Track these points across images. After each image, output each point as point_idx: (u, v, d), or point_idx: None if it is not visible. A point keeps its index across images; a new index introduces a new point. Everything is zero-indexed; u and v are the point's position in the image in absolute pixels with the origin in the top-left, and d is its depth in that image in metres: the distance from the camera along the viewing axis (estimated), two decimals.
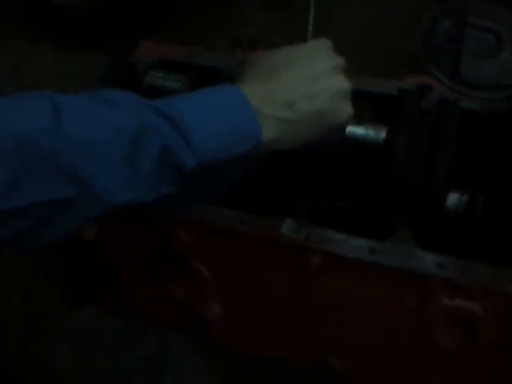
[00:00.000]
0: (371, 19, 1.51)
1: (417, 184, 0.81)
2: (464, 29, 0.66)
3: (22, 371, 1.26)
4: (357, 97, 0.92)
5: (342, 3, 1.59)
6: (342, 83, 0.67)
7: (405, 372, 0.83)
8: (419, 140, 0.82)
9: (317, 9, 0.72)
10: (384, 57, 1.26)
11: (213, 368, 1.15)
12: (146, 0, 1.69)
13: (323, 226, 0.81)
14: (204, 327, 0.89)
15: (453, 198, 0.85)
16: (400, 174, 0.81)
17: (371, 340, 0.82)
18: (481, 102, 0.86)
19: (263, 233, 0.82)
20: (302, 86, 0.65)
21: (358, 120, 0.89)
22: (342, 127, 0.86)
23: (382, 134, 0.87)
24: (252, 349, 0.89)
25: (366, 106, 0.91)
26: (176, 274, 0.87)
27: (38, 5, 1.71)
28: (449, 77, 0.66)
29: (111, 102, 0.56)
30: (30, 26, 1.82)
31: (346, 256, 0.80)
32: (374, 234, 0.81)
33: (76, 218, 0.54)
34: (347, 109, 0.68)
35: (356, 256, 0.79)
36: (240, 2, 1.72)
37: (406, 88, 0.86)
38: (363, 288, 0.81)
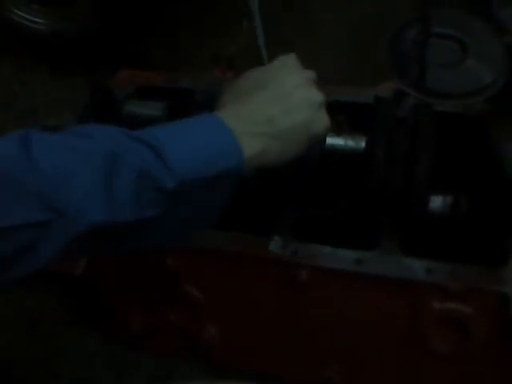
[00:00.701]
0: (358, 23, 1.51)
1: (398, 190, 0.82)
2: (428, 38, 0.67)
3: None
4: (333, 108, 0.94)
5: (329, 7, 1.60)
6: (315, 95, 0.69)
7: (400, 378, 0.83)
8: (397, 147, 0.83)
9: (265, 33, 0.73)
10: (369, 61, 1.26)
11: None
12: (132, 24, 1.70)
13: (309, 240, 0.82)
14: (200, 349, 0.89)
15: (437, 201, 0.85)
16: (381, 182, 0.82)
17: (365, 350, 0.83)
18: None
19: (251, 251, 0.83)
20: (276, 102, 0.66)
21: (337, 131, 0.90)
22: (321, 139, 0.87)
23: (362, 144, 0.88)
24: (248, 367, 0.89)
25: (342, 117, 0.92)
26: (168, 299, 0.88)
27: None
28: (414, 87, 0.67)
29: (83, 134, 0.57)
30: (23, 53, 1.84)
31: (333, 268, 0.80)
32: (360, 243, 0.82)
33: (54, 242, 0.53)
34: (323, 119, 0.69)
35: (343, 268, 0.80)
36: (227, 21, 1.73)
37: (381, 96, 0.86)
38: (353, 299, 0.82)
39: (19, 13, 1.69)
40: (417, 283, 0.79)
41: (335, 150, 0.89)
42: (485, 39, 0.71)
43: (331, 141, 0.89)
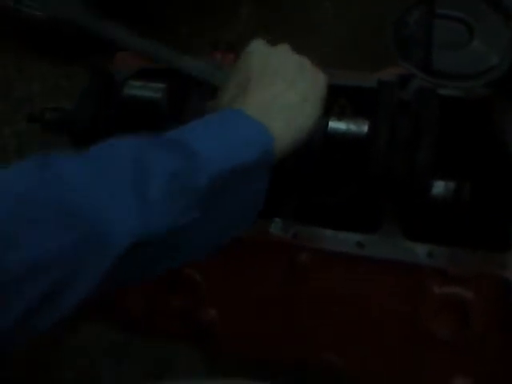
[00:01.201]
0: (359, 17, 1.51)
1: (401, 175, 0.82)
2: (432, 19, 0.66)
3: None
4: (336, 91, 0.93)
5: (330, 5, 1.60)
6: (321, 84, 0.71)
7: (399, 361, 0.83)
8: (400, 131, 0.82)
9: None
10: (369, 60, 1.26)
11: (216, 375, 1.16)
12: (130, 9, 1.69)
13: (310, 223, 0.82)
14: (201, 333, 0.89)
15: (439, 186, 0.85)
16: (383, 166, 0.82)
17: (365, 334, 0.82)
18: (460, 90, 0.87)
19: (252, 234, 0.82)
20: (289, 86, 0.66)
21: (339, 115, 0.90)
22: (324, 123, 0.87)
23: (364, 128, 0.87)
24: (248, 350, 0.89)
25: (345, 100, 0.91)
26: (169, 283, 0.88)
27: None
28: (421, 69, 0.67)
29: (102, 146, 0.52)
30: (21, 39, 1.83)
31: (334, 251, 0.80)
32: (362, 227, 0.82)
33: (87, 272, 0.46)
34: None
35: (344, 250, 0.80)
36: (227, 8, 1.72)
37: (384, 80, 0.86)
38: (354, 282, 0.81)
39: None
40: (418, 267, 0.78)
41: (337, 135, 0.88)
42: (491, 22, 0.71)
43: (333, 125, 0.89)
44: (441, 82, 0.67)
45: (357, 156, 0.87)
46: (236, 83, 0.68)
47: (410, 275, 0.79)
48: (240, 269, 0.85)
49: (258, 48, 0.69)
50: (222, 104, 0.67)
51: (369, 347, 0.83)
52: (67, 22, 1.61)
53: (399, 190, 0.83)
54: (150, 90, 0.91)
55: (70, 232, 0.45)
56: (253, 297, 0.86)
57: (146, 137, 0.54)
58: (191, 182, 0.52)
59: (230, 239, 0.63)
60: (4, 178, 0.47)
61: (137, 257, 0.49)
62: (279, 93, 0.65)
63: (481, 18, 0.68)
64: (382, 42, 0.75)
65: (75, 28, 1.65)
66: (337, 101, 0.92)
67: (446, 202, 0.84)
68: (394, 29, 0.69)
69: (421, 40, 0.67)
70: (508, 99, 0.79)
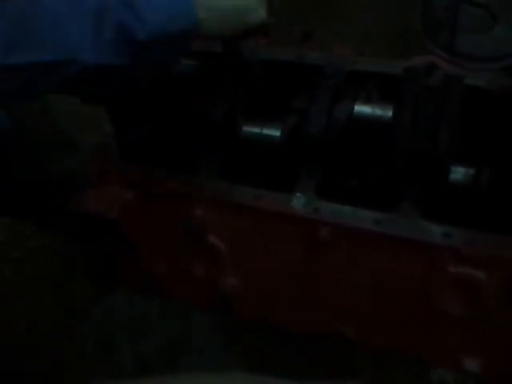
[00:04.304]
0: (393, 5, 1.52)
1: (422, 157, 0.85)
2: (459, 4, 0.69)
3: (47, 352, 1.32)
4: (364, 77, 0.97)
5: None
6: None
7: (411, 336, 0.86)
8: (424, 115, 0.85)
9: None
10: (402, 43, 1.28)
11: (233, 348, 1.19)
12: None
13: (331, 200, 0.86)
14: (221, 299, 0.93)
15: (459, 171, 0.88)
16: (406, 149, 0.85)
17: (379, 307, 0.86)
18: (486, 77, 0.89)
19: (275, 207, 0.87)
20: None
21: (366, 99, 0.93)
22: (351, 107, 0.91)
23: (389, 112, 0.90)
24: (266, 318, 0.93)
25: (372, 86, 0.95)
26: (194, 248, 0.93)
27: None
28: (446, 50, 0.70)
29: None
30: None
31: (353, 227, 0.84)
32: (381, 206, 0.85)
33: (58, 77, 0.71)
34: (264, 8, 0.83)
35: (362, 227, 0.83)
36: None
37: (411, 65, 0.89)
38: (370, 258, 0.85)
39: None
40: (433, 246, 0.81)
41: (363, 118, 0.92)
42: None
43: (359, 108, 0.92)
44: (463, 62, 0.70)
45: (381, 139, 0.90)
46: None
47: (425, 254, 0.82)
48: (262, 240, 0.89)
49: None
50: None
51: (382, 321, 0.86)
52: None
53: (420, 172, 0.86)
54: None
55: (50, 45, 0.69)
56: (273, 267, 0.90)
57: None
58: (133, 35, 0.72)
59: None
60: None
61: (81, 80, 0.74)
62: None
63: (504, 5, 0.71)
64: (413, 29, 0.78)
65: None
66: (364, 86, 0.96)
67: (465, 186, 0.86)
68: (422, 11, 0.72)
69: (447, 23, 0.71)
70: None
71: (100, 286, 1.25)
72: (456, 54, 0.70)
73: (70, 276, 1.44)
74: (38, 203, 1.17)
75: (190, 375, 0.71)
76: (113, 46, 0.72)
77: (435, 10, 0.72)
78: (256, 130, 0.93)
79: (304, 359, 1.10)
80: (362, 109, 0.92)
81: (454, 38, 0.69)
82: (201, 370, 1.13)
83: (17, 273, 1.46)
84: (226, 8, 0.80)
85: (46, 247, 1.48)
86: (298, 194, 0.87)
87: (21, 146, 1.12)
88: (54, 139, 1.19)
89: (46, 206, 1.19)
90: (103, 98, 0.94)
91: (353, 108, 0.92)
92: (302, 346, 1.03)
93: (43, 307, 1.41)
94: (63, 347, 1.33)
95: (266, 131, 0.93)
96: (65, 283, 1.44)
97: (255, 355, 1.17)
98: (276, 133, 0.92)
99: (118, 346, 1.31)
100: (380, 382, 1.08)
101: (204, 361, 1.23)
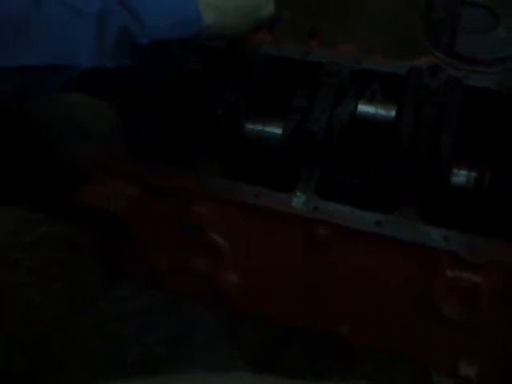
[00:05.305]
0: (405, 8, 1.52)
1: (423, 159, 0.84)
2: (459, 5, 0.69)
3: (51, 339, 1.33)
4: (369, 76, 0.96)
5: None
6: None
7: (408, 339, 0.86)
8: (425, 117, 0.85)
9: None
10: (409, 40, 1.27)
11: (236, 342, 1.20)
12: None
13: (331, 199, 0.86)
14: (220, 295, 0.94)
15: (460, 175, 0.87)
16: (406, 150, 0.84)
17: (376, 308, 0.86)
18: (494, 79, 0.88)
19: (275, 206, 0.87)
20: None
21: (369, 99, 0.93)
22: (354, 106, 0.91)
23: (392, 112, 0.90)
24: (264, 315, 0.94)
25: (377, 85, 0.94)
26: (195, 243, 0.93)
27: None
28: (444, 52, 0.69)
29: None
30: None
31: (352, 228, 0.84)
32: (380, 207, 0.85)
33: (56, 81, 0.71)
34: (271, 4, 0.84)
35: (362, 228, 0.83)
36: None
37: (414, 67, 0.88)
38: (369, 259, 0.85)
39: None
40: (433, 249, 0.81)
41: (365, 117, 0.91)
42: None
43: (362, 108, 0.92)
44: (461, 65, 0.70)
45: (383, 139, 0.90)
46: None
47: (423, 256, 0.82)
48: (262, 237, 0.90)
49: None
50: None
51: (378, 322, 0.86)
52: None
53: (421, 174, 0.85)
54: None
55: (50, 49, 0.69)
56: (272, 265, 0.91)
57: None
58: (136, 38, 0.72)
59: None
60: None
61: (84, 82, 0.73)
62: None
63: (506, 7, 0.70)
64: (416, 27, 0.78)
65: None
66: (369, 85, 0.95)
67: (466, 190, 0.86)
68: (422, 13, 0.72)
69: (447, 25, 0.70)
70: None
71: (107, 276, 1.26)
72: (455, 56, 0.69)
73: (79, 263, 1.45)
74: (50, 191, 1.18)
75: (190, 375, 0.72)
76: (115, 50, 0.72)
77: (436, 11, 0.71)
78: (258, 127, 0.93)
79: (306, 357, 1.10)
80: (365, 108, 0.92)
81: (454, 39, 0.68)
82: (204, 363, 1.14)
83: (27, 259, 1.48)
84: (234, 7, 0.79)
85: (56, 234, 1.49)
86: (298, 193, 0.87)
87: (33, 134, 1.13)
88: (66, 127, 1.19)
89: (56, 194, 1.20)
90: (109, 95, 0.94)
91: (356, 107, 0.92)
92: (304, 342, 1.03)
93: (51, 294, 1.43)
94: (67, 335, 1.35)
95: (268, 129, 0.93)
96: (74, 270, 1.46)
97: (258, 350, 1.18)
98: (278, 130, 0.92)
99: (122, 338, 1.33)
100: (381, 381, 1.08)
101: (208, 355, 1.24)
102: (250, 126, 0.94)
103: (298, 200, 0.86)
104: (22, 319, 1.32)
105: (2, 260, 1.42)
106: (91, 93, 0.93)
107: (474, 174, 0.86)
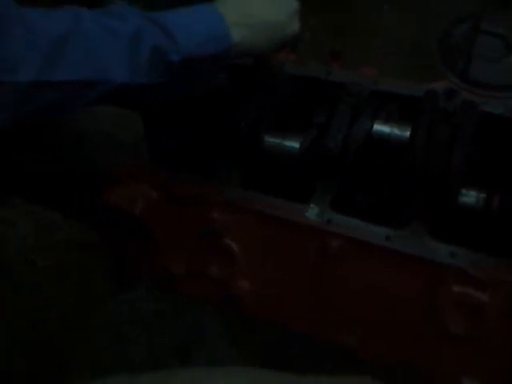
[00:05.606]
0: (420, 20, 1.55)
1: (434, 179, 0.87)
2: (476, 34, 0.72)
3: (61, 340, 1.36)
4: (386, 97, 1.00)
5: (394, 6, 1.65)
6: (293, 2, 0.89)
7: (413, 352, 0.88)
8: (439, 138, 0.88)
9: None
10: (415, 67, 1.31)
11: (246, 347, 1.23)
12: None
13: (344, 213, 0.89)
14: (232, 301, 0.97)
15: (470, 195, 0.90)
16: (419, 169, 0.88)
17: (384, 319, 0.88)
18: (503, 105, 0.91)
19: (290, 216, 0.91)
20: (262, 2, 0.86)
21: (385, 119, 0.97)
22: (369, 125, 0.94)
23: (407, 133, 0.94)
24: (274, 323, 0.97)
25: (393, 106, 0.98)
26: (211, 249, 0.97)
27: None
28: (459, 77, 0.73)
29: (116, 14, 0.77)
30: None
31: (363, 241, 0.87)
32: (392, 223, 0.88)
33: (93, 94, 0.75)
34: (295, 25, 0.89)
35: (373, 242, 0.86)
36: None
37: (430, 89, 0.92)
38: (378, 272, 0.88)
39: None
40: (440, 265, 0.84)
41: (381, 136, 0.95)
42: None
43: (378, 127, 0.96)
44: (474, 90, 0.73)
45: (397, 158, 0.93)
46: None
47: (431, 271, 0.85)
48: (276, 246, 0.93)
49: None
50: None
51: (387, 333, 0.89)
52: None
53: (432, 193, 0.88)
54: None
55: (84, 72, 0.73)
56: (284, 274, 0.94)
57: (143, 14, 0.78)
58: (168, 56, 0.76)
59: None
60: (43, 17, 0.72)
61: (119, 97, 0.78)
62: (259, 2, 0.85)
63: None
64: (433, 52, 0.82)
65: None
66: (386, 106, 0.99)
67: (475, 210, 0.89)
68: (440, 38, 0.76)
69: (462, 51, 0.74)
70: None
71: (119, 278, 1.30)
72: (469, 81, 0.73)
73: (92, 265, 1.49)
74: (71, 196, 1.23)
75: (192, 370, 0.74)
76: (148, 68, 0.76)
77: (453, 37, 0.75)
78: (277, 140, 0.98)
79: (307, 358, 1.12)
80: (380, 128, 0.95)
81: (469, 65, 0.72)
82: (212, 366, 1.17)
83: (44, 259, 1.52)
84: (261, 26, 0.84)
85: (71, 236, 1.54)
86: (312, 205, 0.90)
87: (60, 140, 1.18)
88: (95, 137, 1.25)
89: (77, 199, 1.25)
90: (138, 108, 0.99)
91: (372, 126, 0.95)
92: (306, 343, 1.05)
93: (63, 294, 1.47)
94: (76, 335, 1.38)
95: (287, 142, 0.97)
96: (86, 272, 1.50)
97: (267, 355, 1.20)
98: (296, 144, 0.96)
99: (130, 339, 1.36)
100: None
101: (217, 359, 1.26)
102: (269, 139, 0.98)
103: (313, 212, 0.90)
104: (33, 318, 1.36)
105: (24, 261, 1.47)
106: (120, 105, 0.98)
107: (483, 195, 0.89)
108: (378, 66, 1.07)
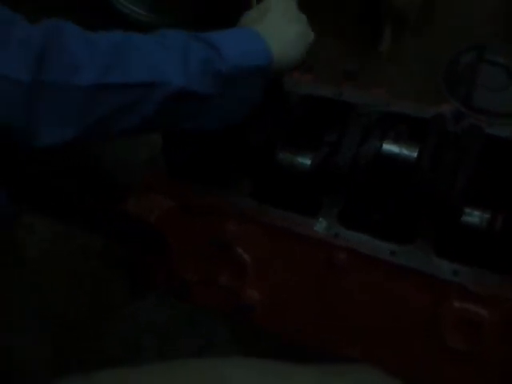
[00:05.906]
0: (437, 50, 1.59)
1: (439, 197, 0.91)
2: (480, 63, 0.76)
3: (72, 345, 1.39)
4: (396, 118, 1.04)
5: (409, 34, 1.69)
6: (304, 17, 0.96)
7: (414, 366, 0.91)
8: (445, 159, 0.91)
9: None
10: (425, 91, 1.35)
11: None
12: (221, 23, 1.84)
13: (352, 228, 0.93)
14: (242, 310, 1.01)
15: (474, 215, 0.93)
16: (424, 188, 0.91)
17: (385, 333, 0.91)
18: (510, 129, 0.95)
19: (299, 229, 0.95)
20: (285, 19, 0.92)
21: (394, 139, 1.00)
22: (379, 145, 0.98)
23: (414, 153, 0.97)
24: (282, 332, 1.00)
25: (403, 127, 1.02)
26: (223, 259, 1.01)
27: None
28: (463, 103, 0.76)
29: (165, 35, 0.83)
30: None
31: (368, 255, 0.90)
32: (397, 238, 0.92)
33: (153, 101, 0.78)
34: (311, 33, 0.95)
35: (378, 256, 0.90)
36: None
37: (438, 112, 0.96)
38: (383, 287, 0.91)
39: (123, 1, 1.85)
40: (442, 281, 0.87)
41: (389, 156, 0.99)
42: None
43: (387, 147, 0.99)
44: (478, 116, 0.77)
45: (405, 176, 0.97)
46: (257, 11, 0.94)
47: (433, 287, 0.88)
48: (285, 258, 0.97)
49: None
50: (244, 23, 0.94)
51: (387, 347, 0.92)
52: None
53: (437, 211, 0.92)
54: None
55: (142, 74, 0.77)
56: (292, 285, 0.98)
57: (193, 34, 0.84)
58: (216, 68, 0.81)
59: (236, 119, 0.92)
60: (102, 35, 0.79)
61: (176, 106, 0.81)
62: (283, 27, 0.91)
63: None
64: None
65: None
66: (395, 127, 1.03)
67: (478, 229, 0.92)
68: (447, 66, 0.80)
69: (467, 79, 0.78)
70: None
71: (133, 288, 1.34)
72: (473, 108, 0.76)
73: (106, 274, 1.53)
74: (91, 206, 1.28)
75: (203, 360, 0.77)
76: (199, 76, 0.80)
77: (459, 65, 0.79)
78: (290, 156, 1.02)
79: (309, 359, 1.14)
80: (389, 147, 0.99)
81: (472, 92, 0.76)
82: None
83: (62, 269, 1.56)
84: (293, 37, 0.91)
85: (88, 247, 1.58)
86: (321, 219, 0.94)
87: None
88: (106, 151, 1.30)
89: (91, 210, 1.30)
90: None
91: (381, 146, 0.99)
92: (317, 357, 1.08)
93: (80, 303, 1.50)
94: (89, 345, 1.41)
95: (299, 158, 1.01)
96: (100, 280, 1.53)
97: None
98: (307, 161, 1.00)
99: (143, 347, 1.39)
100: None
101: None
102: (282, 155, 1.02)
103: (321, 225, 0.94)
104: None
105: (42, 269, 1.52)
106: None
107: (486, 216, 0.92)
108: (391, 89, 1.11)
